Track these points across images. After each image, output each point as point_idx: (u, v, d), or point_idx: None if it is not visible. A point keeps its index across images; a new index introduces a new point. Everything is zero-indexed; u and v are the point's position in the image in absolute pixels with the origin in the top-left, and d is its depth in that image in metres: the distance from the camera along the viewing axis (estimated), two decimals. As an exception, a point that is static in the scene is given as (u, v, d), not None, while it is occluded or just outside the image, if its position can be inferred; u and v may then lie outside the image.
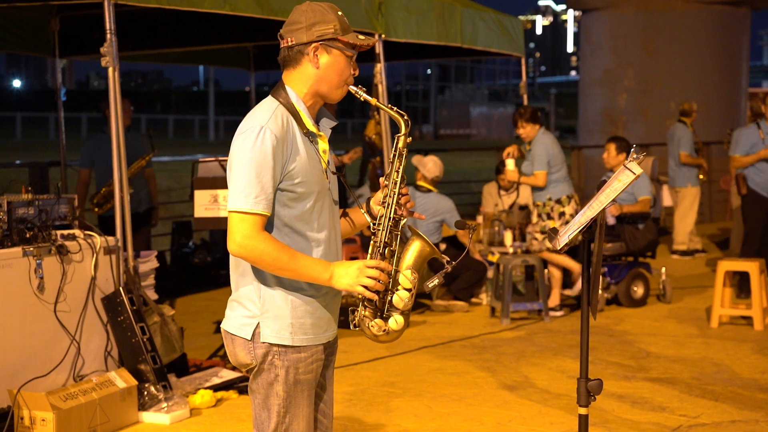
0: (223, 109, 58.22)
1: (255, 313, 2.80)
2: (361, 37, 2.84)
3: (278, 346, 2.80)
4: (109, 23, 5.26)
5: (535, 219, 8.16)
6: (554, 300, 8.15)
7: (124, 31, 5.67)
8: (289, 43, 2.81)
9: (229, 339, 2.86)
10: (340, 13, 2.82)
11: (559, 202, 7.97)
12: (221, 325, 2.90)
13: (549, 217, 7.96)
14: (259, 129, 2.71)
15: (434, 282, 2.87)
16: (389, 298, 2.82)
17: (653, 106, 15.06)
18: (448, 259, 2.86)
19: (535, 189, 8.15)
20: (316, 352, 2.86)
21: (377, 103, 2.96)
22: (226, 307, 2.91)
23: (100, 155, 7.58)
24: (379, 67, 7.41)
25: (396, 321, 2.82)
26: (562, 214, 7.90)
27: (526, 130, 8.01)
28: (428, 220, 8.12)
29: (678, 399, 5.60)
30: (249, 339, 2.81)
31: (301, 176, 2.76)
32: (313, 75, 2.82)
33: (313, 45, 2.79)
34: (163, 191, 14.23)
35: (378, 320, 2.81)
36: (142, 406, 5.16)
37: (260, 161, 2.68)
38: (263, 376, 2.83)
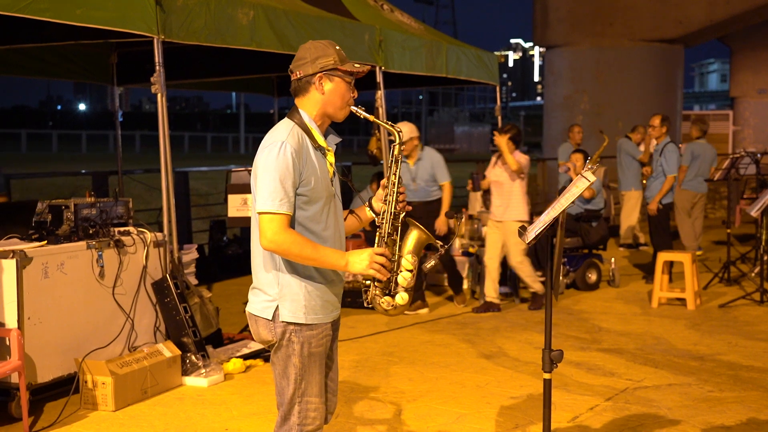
0: (251, 127, 58.01)
1: (274, 297, 2.77)
2: (356, 65, 2.82)
3: (294, 324, 2.77)
4: (158, 57, 5.24)
5: None
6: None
7: (171, 63, 5.66)
8: (298, 76, 2.79)
9: (253, 320, 2.83)
10: (338, 47, 2.80)
11: None
12: (246, 309, 2.87)
13: None
14: (281, 144, 2.69)
15: (431, 263, 2.86)
16: (395, 278, 2.80)
17: (604, 125, 14.99)
18: (441, 244, 2.87)
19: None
20: (325, 329, 2.84)
21: (374, 119, 2.92)
22: (249, 294, 2.87)
23: None
24: (380, 94, 7.37)
25: (402, 297, 2.80)
26: None
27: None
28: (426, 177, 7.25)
29: (625, 366, 5.59)
30: (270, 319, 2.78)
31: (313, 182, 2.74)
32: (320, 99, 2.80)
33: (318, 75, 2.77)
34: (201, 195, 14.20)
35: (387, 297, 2.79)
36: (185, 372, 5.16)
37: (283, 170, 2.66)
38: (282, 351, 2.80)
